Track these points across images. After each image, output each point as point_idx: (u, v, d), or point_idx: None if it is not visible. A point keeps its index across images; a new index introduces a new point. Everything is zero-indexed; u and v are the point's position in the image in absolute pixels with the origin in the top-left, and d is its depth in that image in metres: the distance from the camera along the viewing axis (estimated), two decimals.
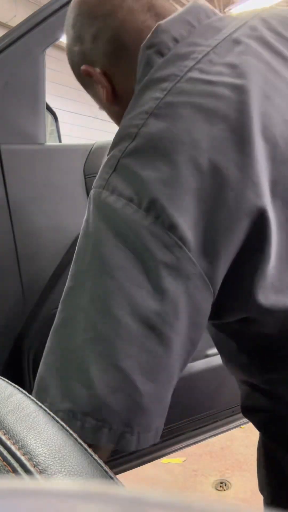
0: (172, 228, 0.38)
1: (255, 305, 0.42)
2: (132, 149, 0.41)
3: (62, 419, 0.39)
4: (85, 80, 0.59)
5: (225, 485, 1.57)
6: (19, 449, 0.24)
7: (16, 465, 0.22)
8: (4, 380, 0.35)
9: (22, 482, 0.20)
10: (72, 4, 0.58)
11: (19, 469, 0.22)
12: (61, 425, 0.28)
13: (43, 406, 0.30)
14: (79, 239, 0.44)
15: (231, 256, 0.40)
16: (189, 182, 0.38)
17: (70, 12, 0.58)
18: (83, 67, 0.56)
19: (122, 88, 0.55)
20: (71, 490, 0.12)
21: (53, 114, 1.61)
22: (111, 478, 0.25)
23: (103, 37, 0.52)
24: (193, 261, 0.39)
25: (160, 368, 0.39)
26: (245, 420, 1.19)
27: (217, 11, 0.52)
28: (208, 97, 0.41)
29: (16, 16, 5.32)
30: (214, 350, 1.12)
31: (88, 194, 0.98)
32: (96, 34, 0.53)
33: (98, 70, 0.55)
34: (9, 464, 0.22)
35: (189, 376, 1.03)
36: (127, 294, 0.38)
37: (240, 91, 0.41)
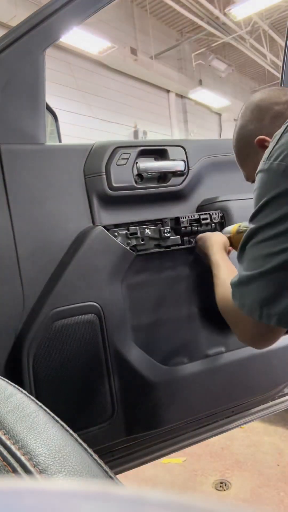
0: None
1: None
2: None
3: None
4: (248, 150, 0.81)
5: (225, 485, 1.57)
6: (19, 449, 0.24)
7: (16, 465, 0.22)
8: (4, 380, 0.35)
9: (22, 482, 0.20)
10: (249, 102, 0.82)
11: (19, 469, 0.22)
12: (61, 425, 0.28)
13: (43, 406, 0.30)
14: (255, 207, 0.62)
15: None
16: None
17: (248, 105, 0.81)
18: (260, 137, 0.76)
19: None
20: (71, 490, 0.12)
21: (53, 114, 1.60)
22: (111, 478, 0.25)
23: (281, 117, 0.75)
24: None
25: None
26: (245, 420, 1.19)
27: None
28: None
29: (16, 16, 5.30)
30: (214, 350, 1.12)
31: (88, 194, 0.99)
32: (276, 115, 0.76)
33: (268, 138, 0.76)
34: (9, 464, 0.22)
35: (189, 376, 1.03)
36: None
37: None
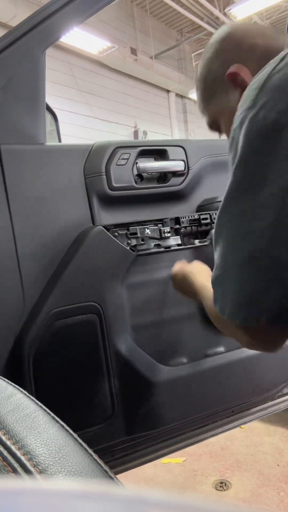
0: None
1: None
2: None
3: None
4: (216, 88, 0.67)
5: (225, 485, 1.57)
6: (19, 449, 0.24)
7: (16, 465, 0.22)
8: (4, 380, 0.35)
9: (22, 482, 0.20)
10: (218, 34, 0.68)
11: (19, 469, 0.22)
12: (61, 425, 0.28)
13: (43, 406, 0.30)
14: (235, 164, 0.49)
15: None
16: None
17: (216, 37, 0.68)
18: (233, 69, 0.62)
19: None
20: (71, 490, 0.12)
21: (53, 114, 1.61)
22: (111, 478, 0.25)
23: (261, 44, 0.62)
24: None
25: None
26: (245, 420, 1.19)
27: None
28: None
29: (16, 16, 5.31)
30: (214, 350, 1.12)
31: (88, 194, 0.99)
32: (255, 43, 0.63)
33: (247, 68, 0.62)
34: (9, 464, 0.22)
35: (189, 376, 1.03)
36: None
37: None
